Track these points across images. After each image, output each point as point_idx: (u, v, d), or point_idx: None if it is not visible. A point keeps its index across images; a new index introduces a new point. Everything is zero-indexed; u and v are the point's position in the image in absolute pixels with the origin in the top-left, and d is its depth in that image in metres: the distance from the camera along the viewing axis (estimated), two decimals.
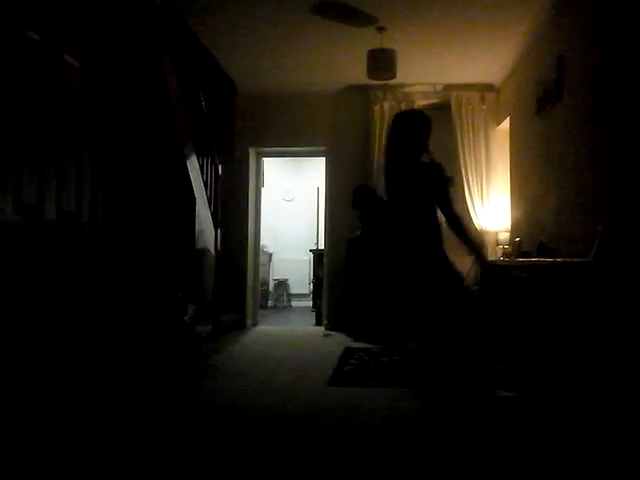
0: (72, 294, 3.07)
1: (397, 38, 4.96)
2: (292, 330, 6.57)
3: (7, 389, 2.48)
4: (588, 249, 3.27)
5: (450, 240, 2.98)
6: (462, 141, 6.20)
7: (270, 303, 9.69)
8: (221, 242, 5.48)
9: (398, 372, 3.97)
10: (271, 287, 9.88)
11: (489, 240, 6.10)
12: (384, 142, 3.35)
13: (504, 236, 5.71)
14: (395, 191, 3.12)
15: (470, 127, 6.21)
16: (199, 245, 4.73)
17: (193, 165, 4.75)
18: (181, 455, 2.27)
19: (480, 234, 6.17)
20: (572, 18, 4.10)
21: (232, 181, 6.38)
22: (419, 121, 3.16)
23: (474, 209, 6.16)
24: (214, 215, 5.34)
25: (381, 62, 4.92)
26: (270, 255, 9.80)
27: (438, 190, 2.94)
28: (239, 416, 2.87)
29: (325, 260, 6.68)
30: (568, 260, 3.42)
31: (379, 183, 6.22)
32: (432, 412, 2.92)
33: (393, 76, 5.09)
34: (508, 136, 5.88)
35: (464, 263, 5.89)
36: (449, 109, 6.22)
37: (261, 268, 7.64)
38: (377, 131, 6.35)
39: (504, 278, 4.21)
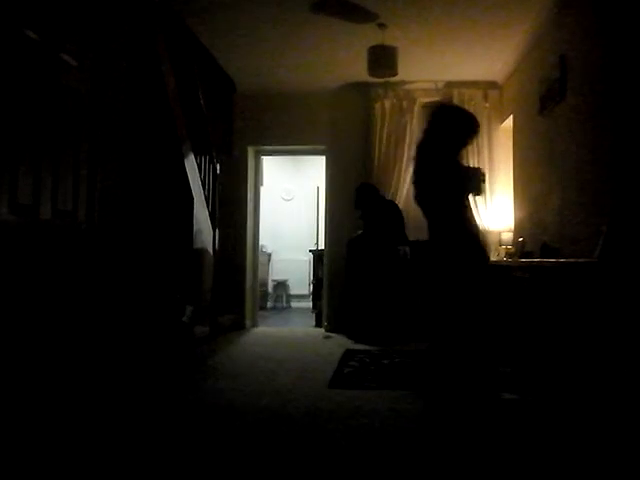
0: (68, 294, 3.03)
1: (398, 35, 4.91)
2: (292, 331, 6.52)
3: (4, 390, 2.44)
4: (592, 249, 3.23)
5: None
6: None
7: (269, 304, 9.65)
8: (219, 242, 5.45)
9: (399, 374, 3.93)
10: (270, 288, 9.83)
11: (492, 240, 6.05)
12: (420, 134, 3.37)
13: (507, 236, 5.67)
14: (425, 187, 3.12)
15: None
16: (197, 245, 4.69)
17: (191, 164, 4.71)
18: (181, 455, 2.24)
19: (484, 234, 6.13)
20: (574, 17, 4.06)
21: (231, 180, 6.34)
22: (462, 119, 3.15)
23: (476, 208, 6.11)
24: (212, 215, 5.30)
25: (382, 59, 4.88)
26: (269, 255, 9.76)
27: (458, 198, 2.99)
28: (239, 417, 2.84)
29: (325, 260, 6.64)
30: (572, 260, 3.38)
31: (380, 181, 6.19)
32: (435, 414, 2.88)
33: (394, 73, 5.05)
34: (511, 134, 5.84)
35: None
36: None
37: (260, 268, 7.60)
38: (378, 129, 6.31)
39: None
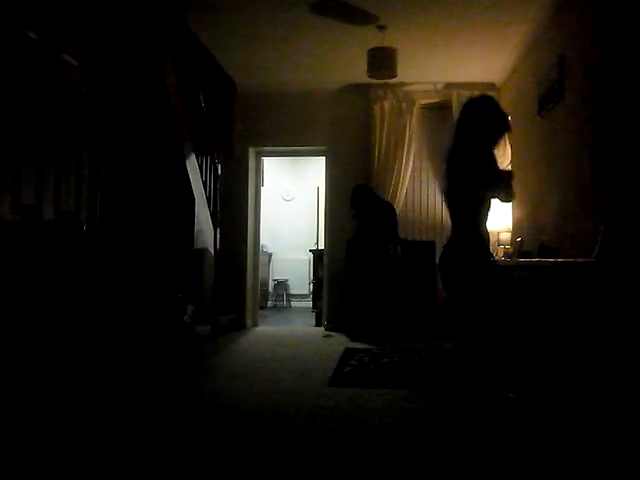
0: (70, 294, 3.05)
1: (398, 37, 4.94)
2: (292, 331, 6.54)
3: (5, 390, 2.46)
4: (590, 249, 3.25)
5: None
6: None
7: (270, 303, 9.68)
8: (220, 242, 5.47)
9: (398, 373, 3.95)
10: (271, 287, 9.87)
11: (490, 240, 6.07)
12: (454, 127, 3.03)
13: (505, 236, 5.70)
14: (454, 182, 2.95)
15: None
16: (198, 245, 4.71)
17: (192, 165, 4.73)
18: (181, 455, 2.25)
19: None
20: (572, 17, 4.08)
21: (232, 181, 6.36)
22: (493, 110, 2.94)
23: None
24: (213, 215, 5.32)
25: (382, 61, 4.90)
26: (270, 255, 9.79)
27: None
28: (238, 417, 2.85)
29: (325, 260, 6.66)
30: (570, 260, 3.40)
31: (379, 181, 6.22)
32: (443, 412, 2.89)
33: (394, 75, 5.07)
34: (509, 135, 5.85)
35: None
36: (450, 108, 6.20)
37: (261, 268, 7.62)
38: (377, 130, 6.33)
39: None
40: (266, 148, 6.92)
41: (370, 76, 5.14)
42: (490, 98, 3.06)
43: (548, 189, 4.57)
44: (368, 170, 6.35)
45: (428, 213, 6.42)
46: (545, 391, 3.19)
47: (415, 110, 6.30)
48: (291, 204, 10.10)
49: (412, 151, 6.30)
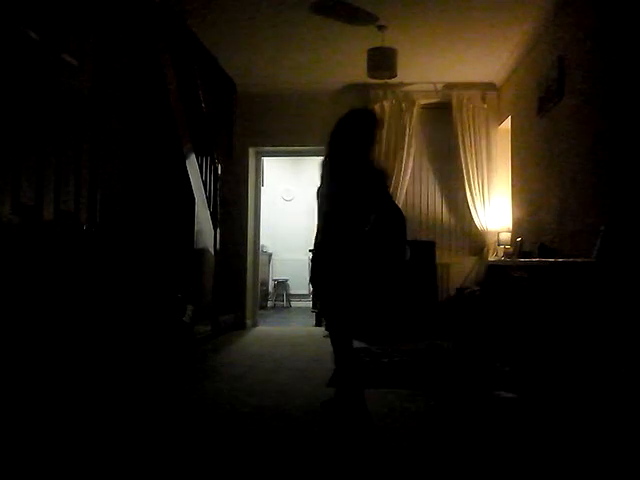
0: (70, 295, 3.05)
1: (398, 37, 4.94)
2: (292, 330, 6.55)
3: (5, 390, 2.46)
4: (590, 249, 3.26)
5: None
6: (463, 140, 6.18)
7: (270, 303, 9.69)
8: (220, 242, 5.47)
9: (398, 373, 3.95)
10: (271, 287, 9.87)
11: (490, 240, 6.08)
12: (329, 140, 3.31)
13: (505, 236, 5.70)
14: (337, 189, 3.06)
15: (471, 126, 6.20)
16: (198, 245, 4.71)
17: (192, 165, 4.72)
18: (181, 456, 2.26)
19: (481, 234, 6.16)
20: (573, 18, 4.09)
21: (232, 181, 6.37)
22: (367, 119, 3.15)
23: (475, 209, 6.14)
24: (213, 215, 5.32)
25: (381, 61, 4.91)
26: (270, 255, 9.79)
27: (381, 191, 3.00)
28: (238, 416, 2.86)
29: None
30: (570, 260, 3.41)
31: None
32: (441, 412, 2.90)
33: (393, 75, 5.08)
34: (509, 136, 5.87)
35: (466, 263, 5.89)
36: (450, 108, 6.21)
37: (261, 268, 7.62)
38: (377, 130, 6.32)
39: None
40: (266, 148, 6.92)
41: (370, 76, 5.15)
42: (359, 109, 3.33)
43: (548, 189, 4.57)
44: None
45: (428, 213, 6.43)
46: (545, 391, 3.19)
47: (415, 110, 6.30)
48: (291, 204, 10.10)
49: (412, 151, 6.30)
